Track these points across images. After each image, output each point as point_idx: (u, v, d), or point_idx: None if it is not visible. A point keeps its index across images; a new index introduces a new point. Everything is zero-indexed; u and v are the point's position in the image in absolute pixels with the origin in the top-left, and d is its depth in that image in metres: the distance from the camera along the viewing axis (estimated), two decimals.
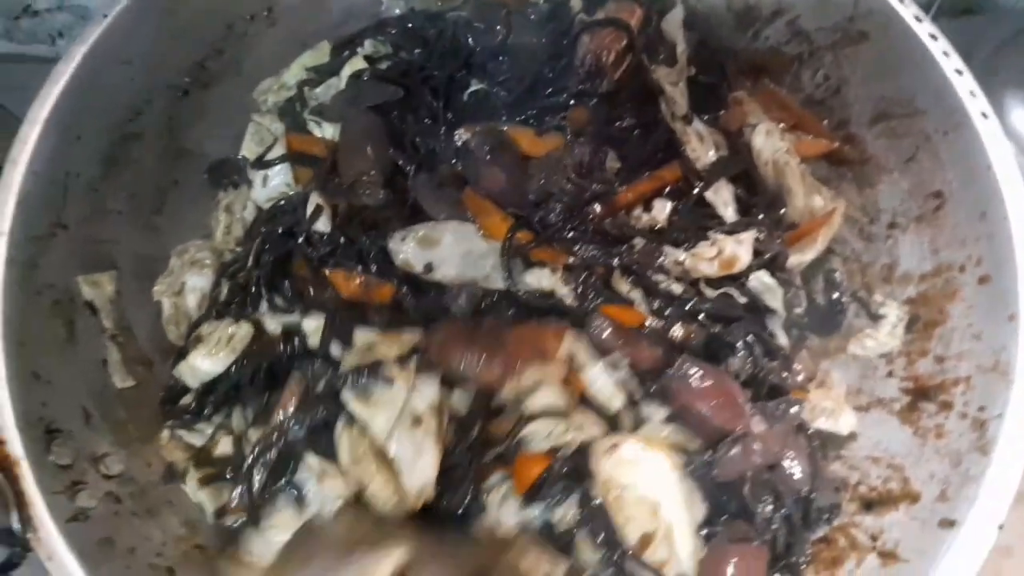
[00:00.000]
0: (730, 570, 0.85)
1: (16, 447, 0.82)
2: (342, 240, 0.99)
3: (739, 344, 0.95)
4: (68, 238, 0.97)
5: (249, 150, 1.14)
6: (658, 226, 0.99)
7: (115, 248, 1.05)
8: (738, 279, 0.97)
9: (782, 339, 0.99)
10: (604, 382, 0.91)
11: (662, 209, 1.00)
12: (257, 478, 0.93)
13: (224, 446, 1.00)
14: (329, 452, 0.91)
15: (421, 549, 0.80)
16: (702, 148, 1.04)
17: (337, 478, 0.91)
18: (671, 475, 0.87)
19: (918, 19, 0.95)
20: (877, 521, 0.90)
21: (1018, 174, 0.88)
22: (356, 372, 0.90)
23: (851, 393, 1.02)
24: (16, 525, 0.81)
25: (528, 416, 0.90)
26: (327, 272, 0.97)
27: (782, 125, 1.06)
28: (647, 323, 0.92)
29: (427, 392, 0.90)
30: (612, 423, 0.93)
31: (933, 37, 0.94)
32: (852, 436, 0.98)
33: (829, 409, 0.98)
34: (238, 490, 0.94)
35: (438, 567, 0.80)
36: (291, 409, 0.94)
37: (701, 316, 0.96)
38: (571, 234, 0.97)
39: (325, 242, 0.99)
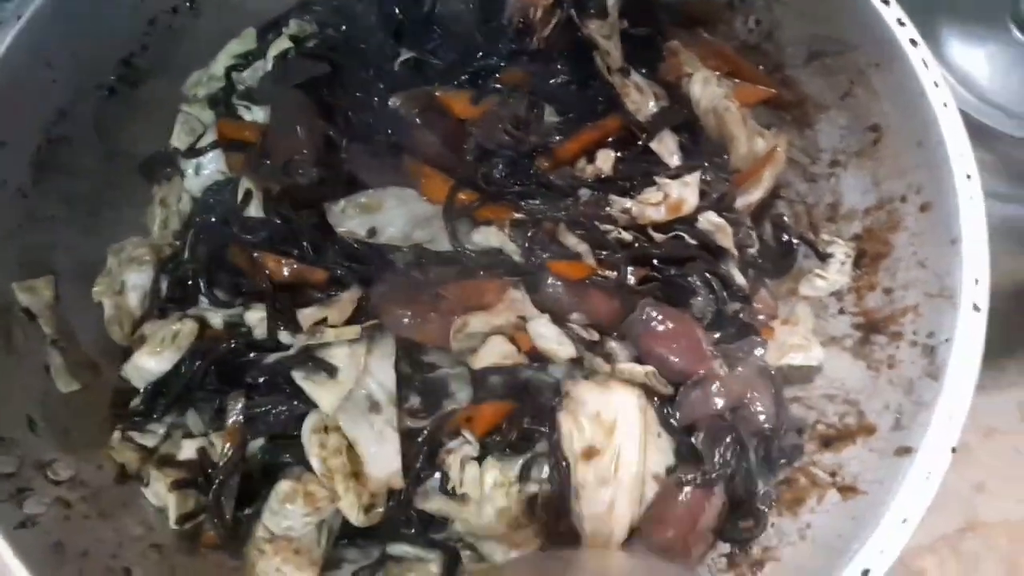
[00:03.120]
0: (677, 511, 0.84)
1: None
2: (277, 222, 0.97)
3: (698, 284, 0.94)
4: None
5: (180, 140, 1.10)
6: (603, 175, 0.98)
7: (52, 253, 1.02)
8: (687, 222, 0.96)
9: (739, 279, 0.98)
10: (550, 332, 0.89)
11: (607, 159, 0.98)
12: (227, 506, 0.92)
13: (188, 450, 0.97)
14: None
15: None
16: (642, 99, 1.03)
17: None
18: (634, 408, 0.88)
19: None
20: (836, 457, 0.89)
21: (951, 98, 0.87)
22: (302, 354, 0.89)
23: None
24: None
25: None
26: (257, 257, 0.95)
27: (718, 73, 1.05)
28: (597, 274, 0.91)
29: (383, 378, 0.90)
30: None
31: None
32: (811, 374, 0.98)
33: (798, 345, 0.97)
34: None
35: None
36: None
37: (654, 261, 0.95)
38: (516, 188, 0.95)
39: (259, 226, 0.97)
